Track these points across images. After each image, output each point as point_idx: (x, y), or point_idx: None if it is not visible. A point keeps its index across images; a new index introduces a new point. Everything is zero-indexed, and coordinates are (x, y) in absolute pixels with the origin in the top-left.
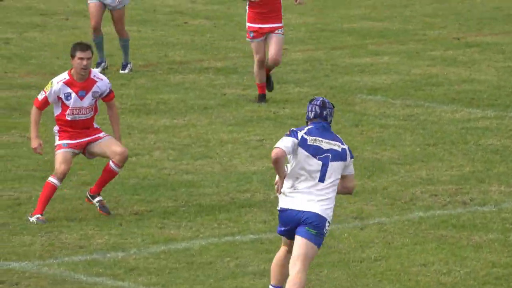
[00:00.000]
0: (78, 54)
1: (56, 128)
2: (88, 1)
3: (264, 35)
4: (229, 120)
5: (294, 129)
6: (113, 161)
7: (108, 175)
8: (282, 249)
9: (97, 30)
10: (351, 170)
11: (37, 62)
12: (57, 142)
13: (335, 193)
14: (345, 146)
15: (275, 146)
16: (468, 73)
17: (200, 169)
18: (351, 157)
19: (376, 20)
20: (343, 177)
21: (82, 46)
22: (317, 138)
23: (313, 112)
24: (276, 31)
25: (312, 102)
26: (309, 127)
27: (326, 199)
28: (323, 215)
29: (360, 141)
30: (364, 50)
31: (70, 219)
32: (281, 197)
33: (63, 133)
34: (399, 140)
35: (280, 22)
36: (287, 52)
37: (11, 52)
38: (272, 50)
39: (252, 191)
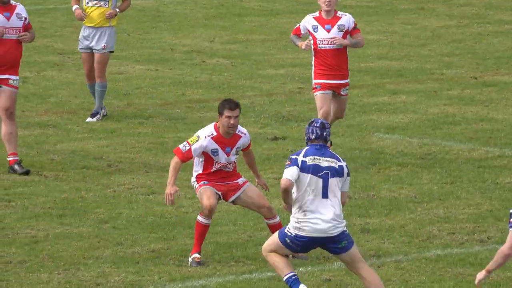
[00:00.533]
0: (226, 112)
1: (193, 179)
2: (79, 49)
3: (331, 90)
4: None
5: (293, 156)
6: (264, 218)
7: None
8: (279, 256)
9: (90, 77)
10: (346, 187)
11: (54, 100)
12: (197, 185)
13: (341, 205)
14: (343, 163)
15: (283, 177)
16: (486, 112)
17: (217, 207)
18: (348, 174)
19: (393, 60)
20: None
21: (231, 105)
22: (315, 157)
23: (314, 134)
24: (342, 92)
25: (312, 125)
26: (306, 148)
27: (337, 211)
28: (341, 228)
29: (377, 180)
30: (381, 89)
31: (87, 257)
32: (297, 224)
33: (202, 179)
34: (416, 178)
35: (347, 78)
36: (304, 91)
37: (29, 91)
38: (335, 110)
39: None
